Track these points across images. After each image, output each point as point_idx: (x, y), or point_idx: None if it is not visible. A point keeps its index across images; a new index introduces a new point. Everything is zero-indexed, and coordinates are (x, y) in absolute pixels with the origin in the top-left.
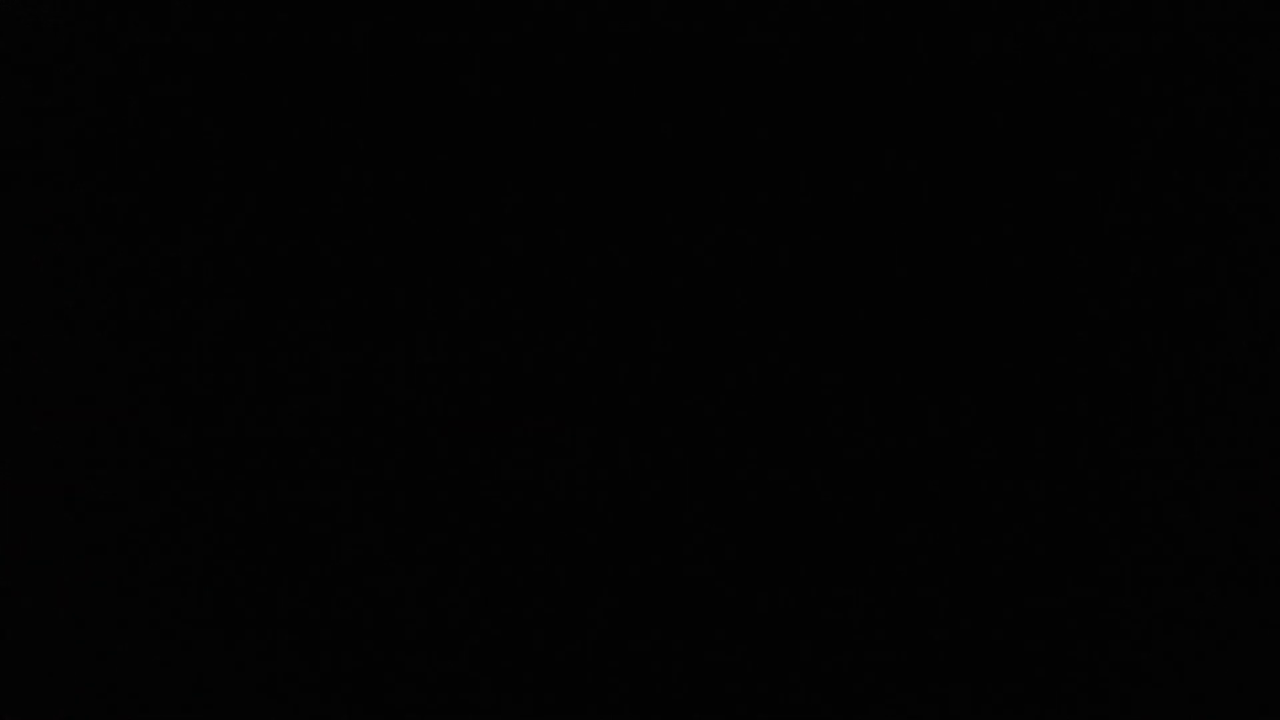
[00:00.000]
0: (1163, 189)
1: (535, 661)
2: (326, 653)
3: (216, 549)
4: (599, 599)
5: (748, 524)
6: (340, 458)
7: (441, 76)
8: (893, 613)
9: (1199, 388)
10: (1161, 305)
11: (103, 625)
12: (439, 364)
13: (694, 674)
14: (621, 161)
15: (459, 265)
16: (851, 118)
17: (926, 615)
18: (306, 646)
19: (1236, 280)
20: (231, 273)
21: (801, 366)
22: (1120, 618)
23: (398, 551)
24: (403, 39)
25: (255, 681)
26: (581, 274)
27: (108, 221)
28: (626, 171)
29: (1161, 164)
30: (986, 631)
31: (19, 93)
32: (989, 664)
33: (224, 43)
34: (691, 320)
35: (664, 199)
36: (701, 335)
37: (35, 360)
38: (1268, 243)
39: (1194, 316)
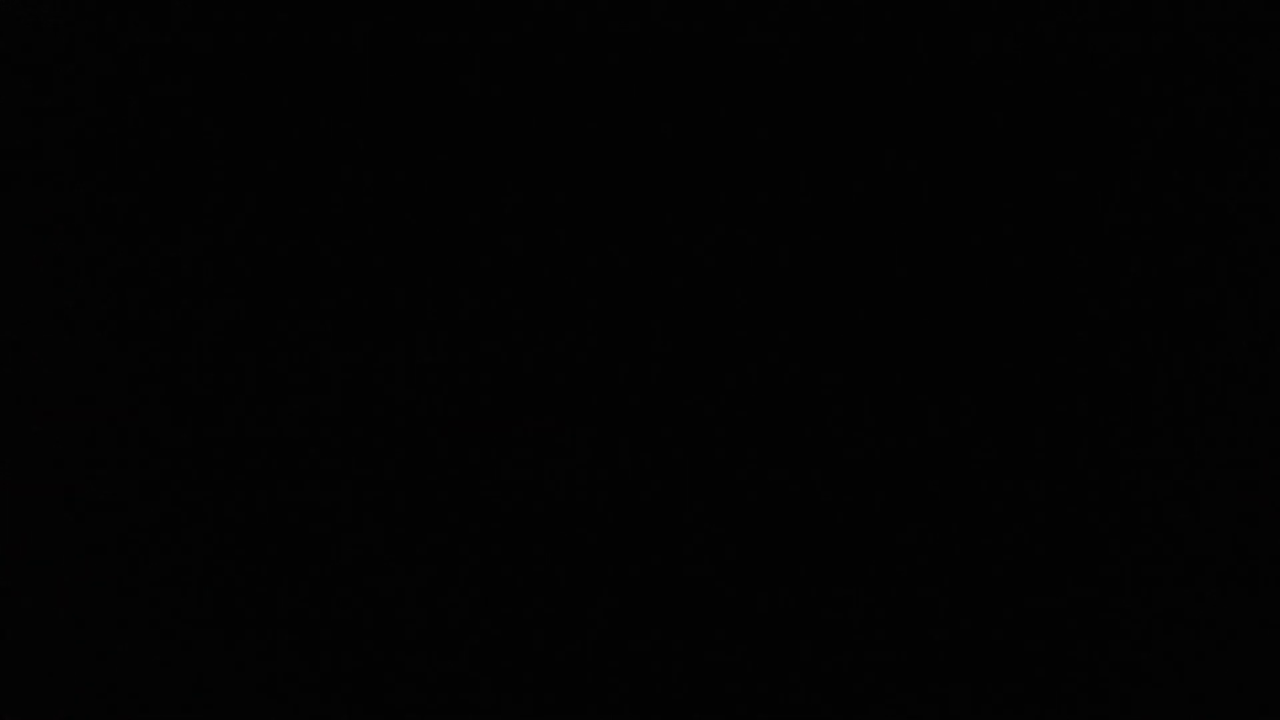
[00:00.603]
0: (1163, 189)
1: (535, 661)
2: (326, 653)
3: (216, 549)
4: (599, 599)
5: (748, 524)
6: (340, 458)
7: (441, 76)
8: (893, 613)
9: (1199, 388)
10: (1161, 305)
11: (103, 625)
12: (439, 364)
13: (694, 674)
14: (621, 161)
15: (459, 265)
16: (851, 118)
17: (926, 615)
18: (306, 646)
19: (1236, 280)
20: (231, 273)
21: (801, 366)
22: (1120, 618)
23: (398, 551)
24: (403, 39)
25: (255, 681)
26: (581, 274)
27: (108, 221)
28: (626, 171)
29: (1161, 164)
30: (986, 631)
31: (19, 93)
32: (989, 664)
33: (224, 43)
34: (691, 320)
35: (664, 199)
36: (701, 335)
37: (35, 360)
38: (1268, 243)
39: (1194, 316)
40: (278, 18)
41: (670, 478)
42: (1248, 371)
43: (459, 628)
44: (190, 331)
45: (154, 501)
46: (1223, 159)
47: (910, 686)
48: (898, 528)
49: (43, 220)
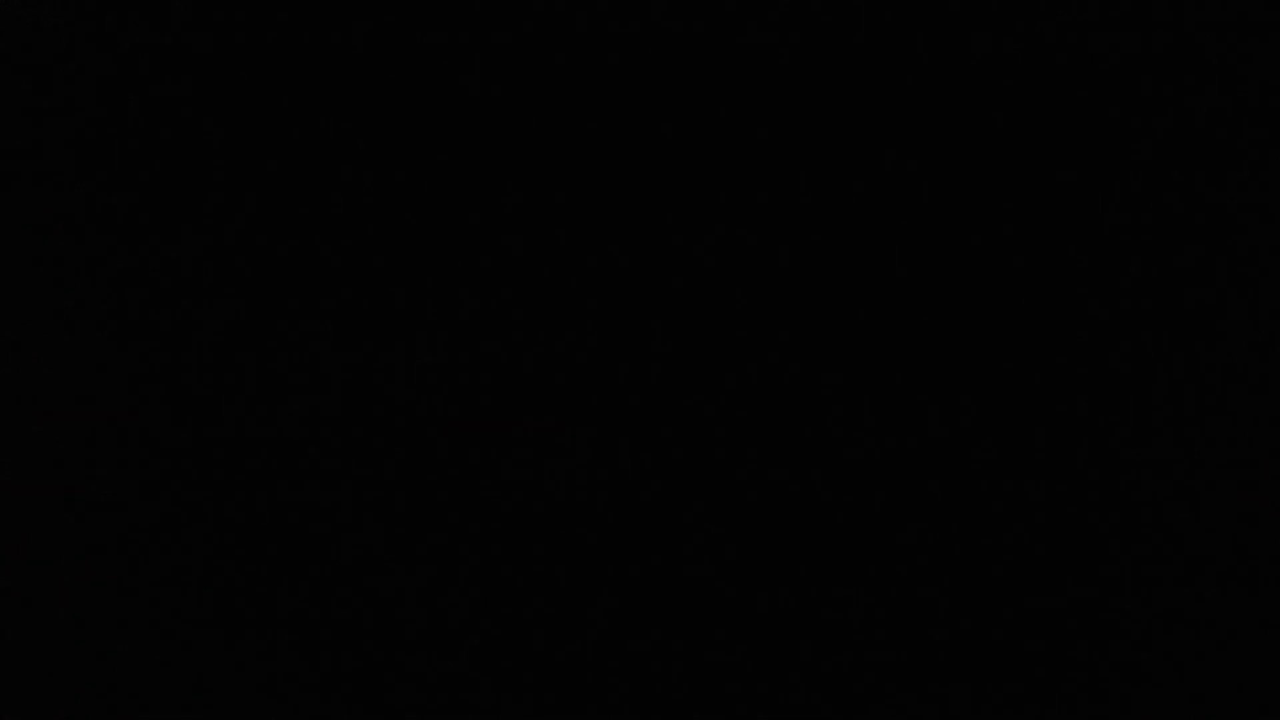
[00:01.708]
0: (1163, 189)
1: (535, 661)
2: (326, 653)
3: (216, 549)
4: (599, 599)
5: (748, 524)
6: (340, 458)
7: (441, 76)
8: (893, 613)
9: (1199, 388)
10: (1161, 305)
11: (103, 625)
12: (439, 364)
13: (694, 674)
14: (621, 161)
15: (459, 265)
16: (851, 118)
17: (926, 615)
18: (306, 646)
19: (1236, 280)
20: (231, 273)
21: (801, 366)
22: (1120, 618)
23: (398, 551)
24: (403, 39)
25: (255, 681)
26: (581, 274)
27: (108, 221)
28: (626, 171)
29: (1161, 164)
30: (986, 631)
31: (19, 93)
32: (989, 664)
33: (224, 43)
34: (691, 320)
35: (664, 199)
36: (701, 335)
37: (35, 360)
38: (1268, 243)
39: (1194, 316)
40: (278, 18)
41: (670, 478)
42: (1248, 371)
43: (459, 628)
44: (190, 331)
45: (154, 501)
46: (1223, 159)
47: (910, 686)
48: (898, 528)
49: (43, 220)
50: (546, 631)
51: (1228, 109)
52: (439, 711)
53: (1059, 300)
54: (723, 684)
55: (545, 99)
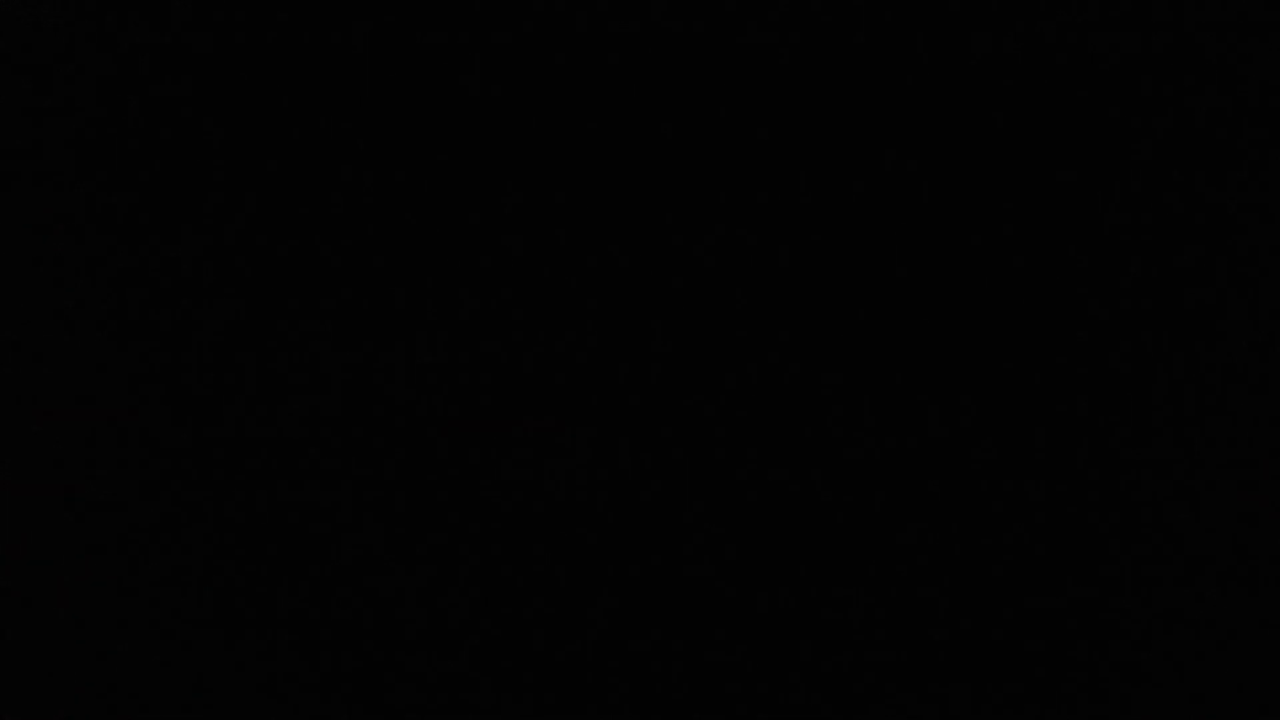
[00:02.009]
0: (1163, 189)
1: (535, 661)
2: (326, 653)
3: (216, 549)
4: (599, 599)
5: (748, 524)
6: (340, 458)
7: (441, 76)
8: (893, 613)
9: (1199, 388)
10: (1161, 305)
11: (103, 625)
12: (439, 364)
13: (694, 674)
14: (621, 161)
15: (459, 265)
16: (851, 118)
17: (926, 615)
18: (306, 646)
19: (1236, 280)
20: (231, 273)
21: (801, 366)
22: (1120, 618)
23: (398, 551)
24: (403, 39)
25: (255, 681)
26: (581, 274)
27: (108, 221)
28: (626, 171)
29: (1161, 164)
30: (986, 631)
31: (19, 93)
32: (989, 664)
33: (224, 43)
34: (691, 320)
35: (664, 199)
36: (701, 335)
37: (35, 360)
38: (1268, 243)
39: (1194, 316)
40: (278, 18)
41: (670, 478)
42: (1248, 371)
43: (459, 628)
44: (190, 331)
45: (154, 501)
46: (1223, 159)
47: (910, 686)
48: (898, 528)
49: (43, 220)
50: (546, 631)
51: (1228, 109)
52: (439, 711)
53: (1059, 300)
54: (723, 684)
55: (545, 99)
